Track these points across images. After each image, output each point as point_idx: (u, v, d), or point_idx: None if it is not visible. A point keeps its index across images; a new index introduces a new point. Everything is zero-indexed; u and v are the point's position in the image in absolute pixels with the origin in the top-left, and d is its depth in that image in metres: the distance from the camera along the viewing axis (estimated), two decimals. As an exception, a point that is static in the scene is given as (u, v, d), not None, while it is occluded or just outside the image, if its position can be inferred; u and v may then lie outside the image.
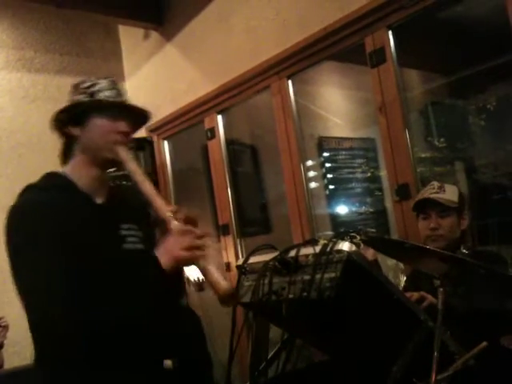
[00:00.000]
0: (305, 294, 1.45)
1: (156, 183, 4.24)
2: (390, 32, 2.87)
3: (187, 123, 4.27)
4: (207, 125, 4.08)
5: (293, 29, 3.27)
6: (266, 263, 1.62)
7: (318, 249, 1.49)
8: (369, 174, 4.15)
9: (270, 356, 1.70)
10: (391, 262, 2.96)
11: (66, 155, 1.70)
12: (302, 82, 3.56)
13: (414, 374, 1.43)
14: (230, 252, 3.93)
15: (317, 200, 3.68)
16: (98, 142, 1.64)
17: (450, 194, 2.26)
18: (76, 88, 1.69)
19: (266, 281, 1.58)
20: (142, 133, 4.53)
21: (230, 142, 4.04)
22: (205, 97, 3.96)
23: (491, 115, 3.37)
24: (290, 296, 1.50)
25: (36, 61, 4.33)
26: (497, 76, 3.18)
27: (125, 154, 1.65)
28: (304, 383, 1.89)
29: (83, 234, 1.55)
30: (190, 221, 1.57)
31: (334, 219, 3.98)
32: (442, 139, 3.54)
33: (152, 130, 4.53)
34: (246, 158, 4.29)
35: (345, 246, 1.44)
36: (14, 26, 4.25)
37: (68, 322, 1.42)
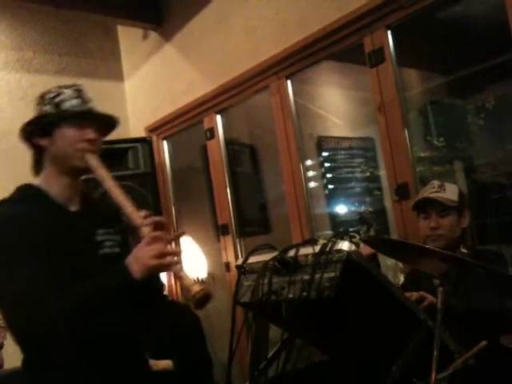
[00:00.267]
0: (304, 293, 1.45)
1: (155, 183, 4.24)
2: (389, 32, 2.87)
3: (186, 123, 4.27)
4: (206, 125, 4.08)
5: (292, 29, 3.27)
6: (265, 263, 1.62)
7: (317, 248, 1.49)
8: (368, 174, 4.15)
9: (269, 356, 1.70)
10: (390, 261, 2.96)
11: (37, 166, 1.73)
12: (301, 81, 3.56)
13: (413, 374, 1.43)
14: (229, 252, 3.93)
15: (316, 200, 3.68)
16: (66, 152, 1.66)
17: (451, 192, 2.25)
18: (41, 99, 1.72)
19: (266, 281, 1.58)
20: (141, 132, 4.54)
21: (229, 142, 4.04)
22: (204, 97, 3.96)
23: (490, 114, 3.37)
24: (290, 296, 1.50)
25: (35, 61, 4.32)
26: (495, 75, 3.18)
27: (94, 162, 1.67)
28: (304, 383, 1.89)
29: (58, 242, 1.59)
30: (160, 226, 1.58)
31: (334, 219, 3.98)
32: (441, 138, 3.54)
33: (151, 130, 4.53)
34: (245, 158, 4.29)
35: (344, 245, 1.44)
36: (12, 27, 4.25)
37: (36, 324, 1.47)
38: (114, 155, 4.06)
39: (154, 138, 4.51)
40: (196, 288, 1.45)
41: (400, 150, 2.83)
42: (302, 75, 3.48)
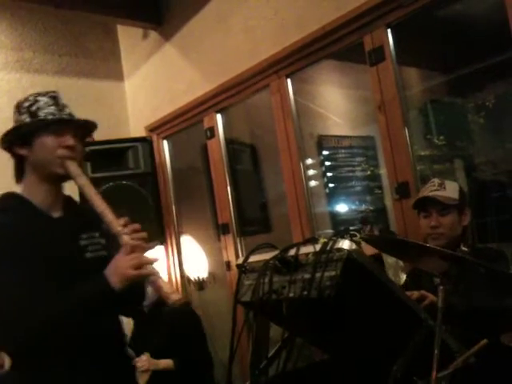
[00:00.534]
0: (305, 292, 1.45)
1: (156, 183, 4.24)
2: (389, 30, 2.87)
3: (186, 123, 4.27)
4: (206, 124, 4.08)
5: (291, 28, 3.27)
6: (266, 262, 1.62)
7: (318, 247, 1.49)
8: (368, 173, 4.15)
9: (270, 355, 1.70)
10: (391, 259, 2.96)
11: (19, 174, 1.75)
12: (301, 81, 3.56)
13: (414, 372, 1.43)
14: (230, 251, 3.93)
15: (317, 198, 3.68)
16: (46, 159, 1.67)
17: (451, 190, 2.25)
18: (18, 108, 1.75)
19: (267, 280, 1.58)
20: (141, 132, 4.54)
21: (229, 142, 4.04)
22: (204, 96, 3.96)
23: (490, 113, 3.37)
24: (291, 295, 1.50)
25: (35, 61, 4.33)
26: (496, 74, 3.18)
27: (74, 169, 1.68)
28: (304, 382, 1.89)
29: (41, 250, 1.62)
30: (138, 234, 1.60)
31: (334, 217, 3.98)
32: (441, 137, 3.54)
33: (151, 130, 4.53)
34: (245, 157, 4.29)
35: (345, 244, 1.44)
36: (12, 27, 4.25)
37: (15, 336, 1.54)
38: (115, 155, 4.07)
39: (154, 138, 4.51)
40: (175, 297, 1.48)
41: (400, 149, 2.83)
42: (302, 74, 3.48)
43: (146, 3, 4.31)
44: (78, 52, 4.57)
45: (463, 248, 2.21)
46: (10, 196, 1.73)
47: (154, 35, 4.45)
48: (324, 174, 4.00)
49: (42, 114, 1.70)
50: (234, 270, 3.70)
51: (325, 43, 3.13)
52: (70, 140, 1.70)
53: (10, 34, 4.23)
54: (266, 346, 1.62)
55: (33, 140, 1.68)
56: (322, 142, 4.07)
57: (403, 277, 2.59)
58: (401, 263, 2.86)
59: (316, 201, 3.60)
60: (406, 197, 2.79)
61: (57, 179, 1.72)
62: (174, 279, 4.49)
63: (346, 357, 1.88)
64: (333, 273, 1.42)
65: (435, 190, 2.25)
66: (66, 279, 1.60)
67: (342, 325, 1.64)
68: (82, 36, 4.61)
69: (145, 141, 4.23)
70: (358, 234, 1.69)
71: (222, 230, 3.97)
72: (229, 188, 3.95)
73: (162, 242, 4.34)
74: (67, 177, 1.70)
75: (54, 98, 1.77)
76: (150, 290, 3.56)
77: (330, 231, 3.78)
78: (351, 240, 1.48)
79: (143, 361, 3.32)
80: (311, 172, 3.69)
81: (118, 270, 1.54)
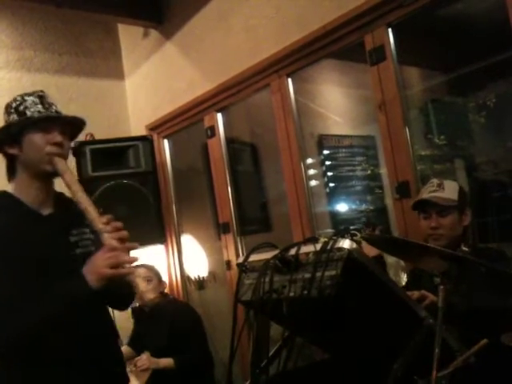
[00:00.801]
0: (305, 292, 1.45)
1: (156, 182, 4.24)
2: (390, 30, 2.87)
3: (187, 122, 4.27)
4: (207, 123, 4.08)
5: (292, 27, 3.27)
6: (266, 261, 1.62)
7: (318, 247, 1.49)
8: (369, 172, 4.14)
9: (270, 354, 1.70)
10: (392, 259, 2.96)
11: (10, 173, 1.79)
12: (301, 80, 3.56)
13: (414, 372, 1.43)
14: (230, 250, 3.93)
15: (317, 198, 3.68)
16: (35, 157, 1.72)
17: (450, 191, 2.24)
18: (7, 109, 1.79)
19: (267, 279, 1.58)
20: (141, 131, 4.54)
21: (230, 141, 4.04)
22: (204, 95, 3.96)
23: (491, 112, 3.36)
24: (291, 294, 1.50)
25: (35, 60, 4.33)
26: (496, 73, 3.17)
27: (62, 166, 1.71)
28: (305, 381, 1.89)
29: (31, 247, 1.67)
30: (120, 232, 1.62)
31: (335, 217, 3.98)
32: (441, 137, 3.53)
33: (152, 129, 4.53)
34: (246, 157, 4.29)
35: (345, 243, 1.44)
36: (13, 26, 4.25)
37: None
38: (115, 154, 4.07)
39: (155, 137, 4.51)
40: (149, 295, 1.50)
41: (401, 149, 2.83)
42: (302, 73, 3.47)
43: (146, 2, 4.31)
44: (79, 51, 4.57)
45: (464, 248, 2.20)
46: (1, 195, 1.78)
47: (154, 34, 4.45)
48: (324, 174, 4.00)
49: (29, 112, 1.74)
50: (235, 269, 3.70)
51: (325, 42, 3.12)
52: (57, 137, 1.73)
53: (11, 33, 4.24)
54: (266, 346, 1.62)
55: (22, 138, 1.72)
56: (322, 141, 4.06)
57: (404, 276, 2.59)
58: (401, 263, 2.87)
59: (316, 200, 3.60)
60: (407, 196, 2.79)
61: (46, 176, 1.76)
62: (174, 278, 4.50)
63: (346, 356, 1.88)
64: (333, 272, 1.42)
65: (434, 191, 2.24)
66: (57, 275, 1.63)
67: (342, 324, 1.64)
68: (83, 35, 4.61)
69: (145, 140, 4.23)
70: (358, 234, 1.69)
71: (223, 229, 3.98)
72: (229, 187, 3.95)
73: (163, 241, 4.34)
74: (56, 174, 1.73)
75: (41, 97, 1.79)
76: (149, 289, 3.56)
77: (330, 231, 3.78)
78: (352, 239, 1.48)
79: (143, 360, 3.32)
80: (312, 171, 3.69)
81: (95, 268, 1.57)
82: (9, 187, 1.81)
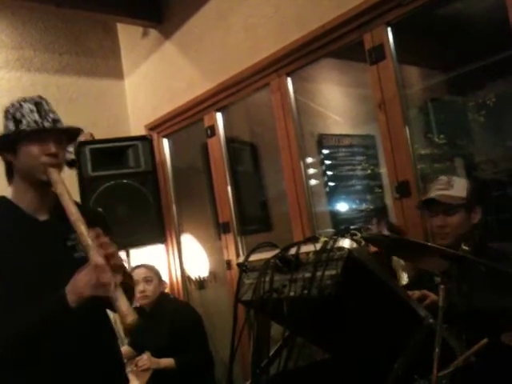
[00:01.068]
0: (306, 291, 1.45)
1: (156, 181, 4.24)
2: (389, 29, 2.87)
3: (187, 121, 4.27)
4: (207, 123, 4.07)
5: (291, 26, 3.27)
6: (266, 261, 1.62)
7: (318, 246, 1.49)
8: (369, 171, 4.14)
9: (271, 354, 1.70)
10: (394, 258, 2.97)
11: (9, 178, 1.82)
12: (301, 79, 3.55)
13: (415, 371, 1.43)
14: (230, 250, 3.93)
15: (317, 197, 3.67)
16: (30, 167, 1.74)
17: (459, 189, 2.19)
18: (5, 113, 1.80)
19: (267, 279, 1.58)
20: (141, 131, 4.54)
21: (229, 140, 4.04)
22: (204, 95, 3.96)
23: (491, 112, 3.36)
24: (291, 294, 1.50)
25: (35, 60, 4.33)
26: (496, 72, 3.17)
27: (55, 177, 1.72)
28: (305, 381, 1.89)
29: (26, 253, 1.70)
30: (108, 248, 1.60)
31: (335, 216, 3.98)
32: (441, 136, 3.53)
33: (151, 128, 4.53)
34: (245, 156, 4.29)
35: (345, 243, 1.44)
36: (13, 26, 4.25)
37: None
38: (115, 153, 4.07)
39: (155, 136, 4.51)
40: (129, 318, 1.49)
41: (401, 148, 2.83)
42: (302, 73, 3.47)
43: (145, 2, 4.31)
44: (79, 50, 4.57)
45: (464, 247, 2.20)
46: (1, 200, 1.81)
47: (153, 33, 4.45)
48: (324, 173, 4.00)
49: (24, 121, 1.75)
50: (235, 268, 3.70)
51: (325, 41, 3.12)
52: (52, 148, 1.74)
53: (11, 32, 4.24)
54: (266, 345, 1.62)
55: (17, 148, 1.74)
56: (322, 140, 4.06)
57: (404, 276, 2.59)
58: (401, 262, 2.86)
59: (316, 200, 3.60)
60: (407, 196, 2.79)
61: (41, 185, 1.77)
62: (174, 278, 4.50)
63: (346, 356, 1.88)
64: (333, 272, 1.42)
65: (442, 189, 2.20)
66: (56, 279, 1.64)
67: (342, 324, 1.64)
68: (83, 35, 4.61)
69: (145, 139, 4.23)
70: (358, 233, 1.68)
71: (223, 228, 3.98)
72: (229, 187, 3.95)
73: (163, 240, 4.34)
74: (50, 183, 1.75)
75: (38, 104, 1.80)
76: (150, 290, 3.56)
77: (330, 230, 3.77)
78: (352, 239, 1.48)
79: (144, 360, 3.32)
80: (311, 171, 3.68)
81: (75, 288, 1.57)
82: (8, 189, 1.84)
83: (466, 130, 3.60)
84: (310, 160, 3.67)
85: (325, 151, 4.06)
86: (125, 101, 4.78)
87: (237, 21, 3.67)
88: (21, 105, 1.79)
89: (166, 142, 4.55)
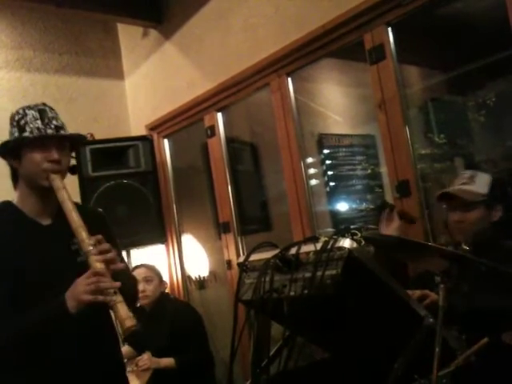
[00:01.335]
0: (306, 291, 1.45)
1: (156, 182, 4.24)
2: (389, 29, 2.87)
3: (187, 121, 4.27)
4: (207, 123, 4.08)
5: (291, 27, 3.27)
6: (266, 261, 1.62)
7: (318, 246, 1.49)
8: (369, 171, 4.14)
9: (271, 354, 1.70)
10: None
11: (15, 183, 1.87)
12: (301, 79, 3.56)
13: (415, 371, 1.43)
14: (230, 250, 3.93)
15: (317, 197, 3.67)
16: (33, 173, 1.78)
17: (481, 185, 2.15)
18: (11, 120, 1.84)
19: (267, 278, 1.58)
20: (141, 131, 4.54)
21: (230, 140, 4.04)
22: (204, 95, 3.96)
23: (491, 111, 3.36)
24: (291, 294, 1.50)
25: (35, 60, 4.33)
26: (496, 72, 3.17)
27: (57, 183, 1.76)
28: (306, 381, 1.89)
29: (26, 256, 1.73)
30: (107, 254, 1.64)
31: (335, 216, 3.97)
32: (441, 135, 3.53)
33: (152, 129, 4.53)
34: (246, 156, 4.29)
35: (346, 242, 1.44)
36: (12, 26, 4.25)
37: None
38: (115, 153, 4.07)
39: (155, 137, 4.51)
40: (128, 323, 1.52)
41: (401, 147, 2.83)
42: (302, 73, 3.48)
43: (145, 2, 4.31)
44: (79, 51, 4.57)
45: (464, 246, 2.19)
46: (4, 205, 1.86)
47: (154, 34, 4.45)
48: (324, 173, 4.00)
49: (28, 128, 1.78)
50: (235, 268, 3.70)
51: (325, 42, 3.13)
52: (54, 154, 1.77)
53: (10, 32, 4.24)
54: (267, 345, 1.62)
55: (21, 154, 1.78)
56: (322, 140, 4.06)
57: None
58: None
59: (316, 199, 3.60)
60: (407, 195, 2.79)
61: (43, 190, 1.81)
62: (174, 278, 4.50)
63: (347, 355, 1.88)
64: (334, 271, 1.42)
65: (463, 184, 2.16)
66: (57, 283, 1.66)
67: (342, 323, 1.64)
68: (83, 35, 4.61)
69: (145, 139, 4.23)
70: (358, 233, 1.69)
71: (223, 228, 3.98)
72: (229, 187, 3.95)
73: (163, 240, 4.34)
74: (53, 189, 1.78)
75: (42, 112, 1.83)
76: (150, 290, 3.56)
77: (330, 230, 3.77)
78: (352, 239, 1.48)
79: (144, 359, 3.33)
80: (312, 171, 3.68)
81: (75, 294, 1.59)
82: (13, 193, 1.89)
83: (466, 129, 3.60)
84: (310, 160, 3.67)
85: (325, 151, 4.06)
86: (125, 101, 4.78)
87: (237, 21, 3.67)
88: (25, 112, 1.82)
89: (166, 142, 4.55)
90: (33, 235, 1.80)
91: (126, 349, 3.57)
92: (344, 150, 4.16)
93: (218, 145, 3.99)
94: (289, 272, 1.54)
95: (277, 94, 3.48)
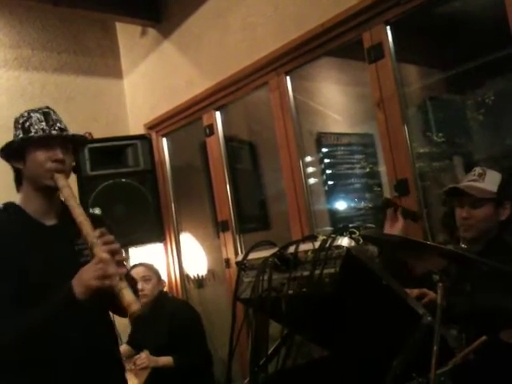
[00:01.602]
0: (304, 289, 1.45)
1: (155, 180, 4.24)
2: (388, 27, 2.87)
3: (185, 120, 4.26)
4: (205, 121, 4.07)
5: (290, 25, 3.27)
6: (265, 259, 1.62)
7: (317, 245, 1.49)
8: (367, 170, 4.14)
9: (269, 352, 1.70)
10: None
11: (18, 185, 1.89)
12: (300, 78, 3.56)
13: (413, 369, 1.43)
14: (229, 248, 3.93)
15: (316, 196, 3.68)
16: (37, 172, 1.80)
17: (489, 182, 2.13)
18: (15, 123, 1.87)
19: (266, 277, 1.58)
20: (140, 130, 4.54)
21: (228, 139, 4.04)
22: (203, 94, 3.95)
23: (489, 110, 3.36)
24: (290, 292, 1.50)
25: (33, 59, 4.32)
26: (495, 70, 3.17)
27: (61, 181, 1.79)
28: (304, 379, 1.89)
29: (30, 256, 1.74)
30: (112, 244, 1.66)
31: (333, 215, 3.97)
32: (440, 134, 3.53)
33: (150, 127, 4.52)
34: (244, 155, 4.29)
35: (344, 241, 1.44)
36: (10, 25, 4.24)
37: None
38: (114, 152, 4.07)
39: (154, 135, 4.51)
40: (134, 307, 1.53)
41: (399, 146, 2.83)
42: (301, 71, 3.47)
43: (144, 1, 4.30)
44: (77, 49, 4.56)
45: (463, 245, 2.19)
46: (8, 206, 1.87)
47: (152, 33, 4.45)
48: (323, 172, 4.00)
49: (33, 129, 1.81)
50: (234, 267, 3.70)
51: (324, 40, 3.12)
52: (58, 154, 1.81)
53: (9, 31, 4.23)
54: (265, 343, 1.63)
55: (25, 154, 1.81)
56: (321, 139, 4.06)
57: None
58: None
59: (315, 198, 3.60)
60: (405, 194, 2.79)
61: (48, 190, 1.83)
62: (173, 277, 4.50)
63: (345, 353, 1.88)
64: (332, 270, 1.42)
65: (472, 181, 2.15)
66: (60, 283, 1.66)
67: (341, 322, 1.65)
68: (81, 33, 4.60)
69: (144, 138, 4.23)
70: (357, 232, 1.69)
71: (222, 227, 3.98)
72: (228, 185, 3.95)
73: (162, 239, 4.33)
74: (57, 188, 1.81)
75: (46, 114, 1.86)
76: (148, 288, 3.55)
77: (329, 228, 3.78)
78: (350, 237, 1.48)
79: (143, 358, 3.32)
80: (310, 169, 3.68)
81: (82, 280, 1.61)
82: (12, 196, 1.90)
83: (465, 128, 3.60)
84: (308, 158, 3.67)
85: (323, 150, 4.06)
86: (123, 100, 4.78)
87: (235, 20, 3.67)
88: (30, 115, 1.85)
89: (164, 141, 4.54)
90: (37, 236, 1.82)
91: (124, 347, 3.57)
92: (342, 148, 4.16)
93: (217, 144, 3.99)
94: (287, 270, 1.54)
95: (275, 93, 3.48)
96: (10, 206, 1.86)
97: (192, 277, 4.44)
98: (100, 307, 1.80)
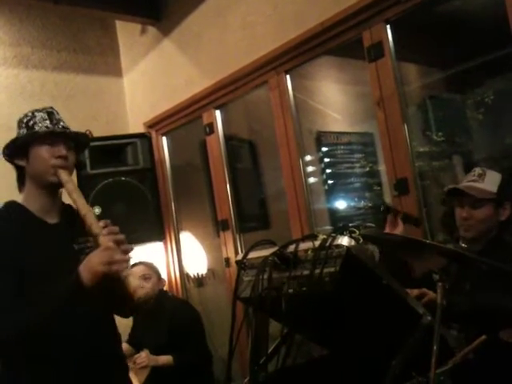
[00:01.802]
0: (304, 288, 1.45)
1: (155, 179, 4.24)
2: (388, 26, 2.87)
3: (185, 119, 4.26)
4: (205, 120, 4.07)
5: (290, 24, 3.27)
6: (265, 258, 1.62)
7: (317, 244, 1.49)
8: (367, 169, 4.14)
9: (269, 351, 1.70)
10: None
11: (20, 184, 1.91)
12: (300, 76, 3.55)
13: (413, 368, 1.43)
14: (229, 247, 3.93)
15: (316, 195, 3.68)
16: (40, 169, 1.82)
17: (489, 183, 2.14)
18: (19, 123, 1.90)
19: (266, 276, 1.58)
20: (139, 128, 4.54)
21: (228, 138, 4.04)
22: (202, 92, 3.95)
23: (489, 109, 3.36)
24: (290, 291, 1.50)
25: (33, 57, 4.31)
26: (495, 70, 3.17)
27: (65, 177, 1.81)
28: (304, 378, 1.89)
29: (33, 253, 1.76)
30: (117, 235, 1.71)
31: (333, 214, 3.98)
32: (440, 133, 3.53)
33: (150, 126, 4.52)
34: (244, 154, 4.29)
35: (344, 240, 1.44)
36: (10, 23, 4.24)
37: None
38: (113, 151, 4.07)
39: (153, 134, 4.50)
40: (140, 292, 1.62)
41: (399, 145, 2.83)
42: (300, 70, 3.47)
43: (144, -1, 4.31)
44: (77, 48, 4.56)
45: (462, 244, 2.19)
46: (10, 205, 1.88)
47: (152, 31, 4.44)
48: (323, 171, 4.00)
49: (37, 127, 1.84)
50: (234, 266, 3.70)
51: (323, 39, 3.12)
52: (62, 150, 1.83)
53: (8, 29, 4.22)
54: (265, 342, 1.62)
55: (29, 151, 1.83)
56: (320, 138, 4.06)
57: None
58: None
59: (315, 197, 3.60)
60: (405, 193, 2.79)
61: (52, 187, 1.85)
62: (173, 276, 4.50)
63: (345, 353, 1.88)
64: (332, 269, 1.42)
65: (472, 181, 2.16)
66: (60, 280, 1.67)
67: (341, 321, 1.65)
68: (81, 32, 4.60)
69: (144, 137, 4.23)
70: (357, 231, 1.69)
71: (222, 226, 3.98)
72: (228, 184, 3.95)
73: (161, 238, 4.33)
74: (61, 185, 1.83)
75: (50, 114, 1.89)
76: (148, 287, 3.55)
77: (329, 228, 3.78)
78: (350, 236, 1.48)
79: (143, 357, 3.33)
80: (310, 168, 3.68)
81: (89, 266, 1.62)
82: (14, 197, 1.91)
83: (465, 127, 3.60)
84: (308, 157, 3.67)
85: (323, 149, 4.06)
86: (123, 98, 4.78)
87: (235, 18, 3.67)
88: (33, 114, 1.88)
89: (164, 140, 4.54)
90: (40, 233, 1.83)
91: (124, 346, 3.55)
92: (342, 147, 4.16)
93: (217, 142, 3.99)
94: (287, 270, 1.54)
95: (275, 92, 3.48)
96: (11, 205, 1.87)
97: (192, 276, 4.44)
98: (103, 306, 1.81)
